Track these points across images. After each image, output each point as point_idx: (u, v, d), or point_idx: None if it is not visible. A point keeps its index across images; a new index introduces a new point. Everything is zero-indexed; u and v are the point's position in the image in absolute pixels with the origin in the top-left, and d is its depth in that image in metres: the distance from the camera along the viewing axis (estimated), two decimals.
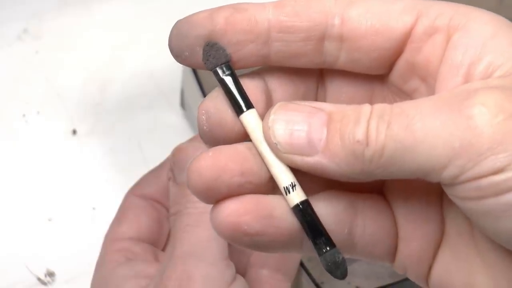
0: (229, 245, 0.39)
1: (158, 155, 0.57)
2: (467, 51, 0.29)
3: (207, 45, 0.30)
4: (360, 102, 0.29)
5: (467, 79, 0.29)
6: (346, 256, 0.30)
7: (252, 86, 0.31)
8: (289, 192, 0.29)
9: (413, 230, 0.31)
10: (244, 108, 0.30)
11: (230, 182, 0.29)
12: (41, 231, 0.53)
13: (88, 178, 0.57)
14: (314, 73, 0.32)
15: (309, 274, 0.45)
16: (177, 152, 0.41)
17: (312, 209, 0.30)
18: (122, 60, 0.65)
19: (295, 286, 0.46)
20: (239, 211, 0.28)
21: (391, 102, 0.31)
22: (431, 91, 0.31)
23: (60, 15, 0.68)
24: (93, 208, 0.55)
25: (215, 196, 0.29)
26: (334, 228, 0.30)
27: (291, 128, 0.29)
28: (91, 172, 0.57)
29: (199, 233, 0.38)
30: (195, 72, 0.54)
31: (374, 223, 0.31)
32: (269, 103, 0.31)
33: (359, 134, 0.27)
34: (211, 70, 0.31)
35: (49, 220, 0.54)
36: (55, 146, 0.58)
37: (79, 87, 0.62)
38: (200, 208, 0.39)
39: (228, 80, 0.30)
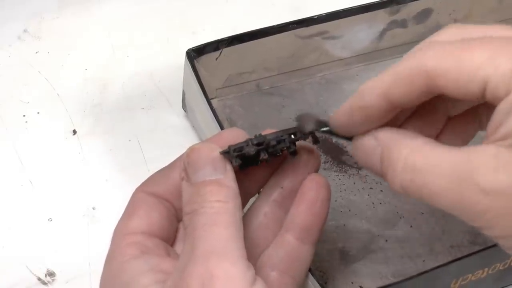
0: None
1: (158, 155, 0.57)
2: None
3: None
4: None
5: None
6: None
7: None
8: None
9: None
10: None
11: None
12: (41, 231, 0.53)
13: (88, 178, 0.57)
14: None
15: (312, 274, 0.45)
16: (191, 152, 0.40)
17: None
18: (122, 60, 0.65)
19: None
20: None
21: None
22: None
23: (60, 15, 0.68)
24: (93, 208, 0.55)
25: None
26: None
27: None
28: (91, 172, 0.57)
29: (218, 232, 0.37)
30: (196, 73, 0.54)
31: None
32: None
33: None
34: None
35: (49, 220, 0.54)
36: (55, 146, 0.58)
37: (79, 87, 0.62)
38: (216, 208, 0.38)
39: None
